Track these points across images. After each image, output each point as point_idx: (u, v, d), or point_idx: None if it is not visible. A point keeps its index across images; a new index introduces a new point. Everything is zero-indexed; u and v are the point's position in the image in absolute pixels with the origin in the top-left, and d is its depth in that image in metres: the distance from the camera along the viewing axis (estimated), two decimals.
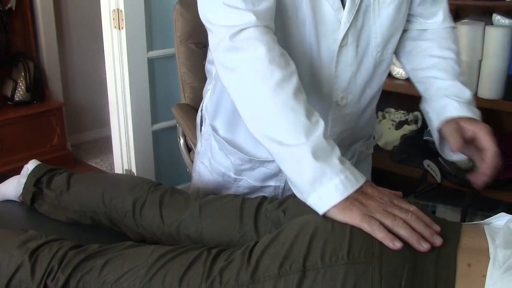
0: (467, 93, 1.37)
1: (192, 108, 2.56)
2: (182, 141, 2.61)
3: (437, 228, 1.02)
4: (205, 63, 1.62)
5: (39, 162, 1.69)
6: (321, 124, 1.09)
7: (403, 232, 1.00)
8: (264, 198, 1.37)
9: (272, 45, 1.12)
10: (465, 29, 2.40)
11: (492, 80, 2.38)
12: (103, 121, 4.36)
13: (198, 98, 2.61)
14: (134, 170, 2.88)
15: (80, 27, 4.21)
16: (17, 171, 1.82)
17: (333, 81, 1.32)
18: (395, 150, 2.81)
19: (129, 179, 1.55)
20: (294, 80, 1.11)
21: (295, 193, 1.14)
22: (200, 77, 2.63)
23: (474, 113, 1.34)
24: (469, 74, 2.43)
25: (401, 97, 2.96)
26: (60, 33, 4.05)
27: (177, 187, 1.55)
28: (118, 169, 2.97)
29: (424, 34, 1.47)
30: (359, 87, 1.36)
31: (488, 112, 2.59)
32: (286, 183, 1.43)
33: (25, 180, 1.65)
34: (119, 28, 2.72)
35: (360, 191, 1.06)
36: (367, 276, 0.97)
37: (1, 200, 1.75)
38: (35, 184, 1.63)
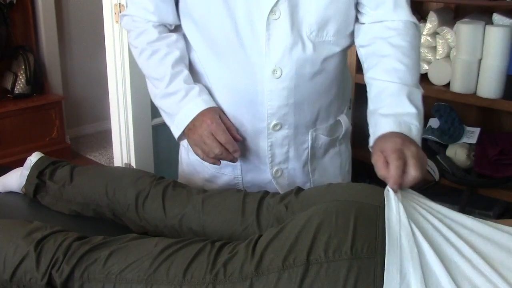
0: (401, 96, 1.32)
1: None
2: None
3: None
4: None
5: (42, 155, 1.70)
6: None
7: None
8: (266, 192, 1.38)
9: None
10: (465, 28, 2.42)
11: (491, 80, 2.40)
12: (102, 115, 4.36)
13: None
14: (133, 164, 2.88)
15: (81, 21, 4.22)
16: (16, 164, 1.83)
17: (264, 53, 1.35)
18: None
19: (132, 172, 1.57)
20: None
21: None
22: None
23: (395, 124, 1.27)
24: (468, 73, 2.45)
25: None
26: (60, 27, 4.05)
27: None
28: (117, 163, 2.97)
29: (374, 29, 1.41)
30: (295, 63, 1.36)
31: (488, 111, 2.61)
32: (243, 174, 1.55)
33: (28, 172, 1.66)
34: (120, 22, 2.72)
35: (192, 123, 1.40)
36: (369, 271, 0.99)
37: (4, 191, 1.76)
38: (38, 176, 1.64)
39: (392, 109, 1.30)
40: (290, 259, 1.03)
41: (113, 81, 2.83)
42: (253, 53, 1.36)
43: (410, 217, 1.08)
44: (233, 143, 1.38)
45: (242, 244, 1.14)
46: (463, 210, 2.41)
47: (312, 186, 1.51)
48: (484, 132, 2.59)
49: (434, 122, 2.74)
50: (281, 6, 1.31)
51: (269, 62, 1.35)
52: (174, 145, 2.48)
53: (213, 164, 1.43)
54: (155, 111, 2.93)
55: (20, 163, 1.76)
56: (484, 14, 2.59)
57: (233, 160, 1.41)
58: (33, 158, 1.69)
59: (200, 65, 1.46)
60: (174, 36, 1.46)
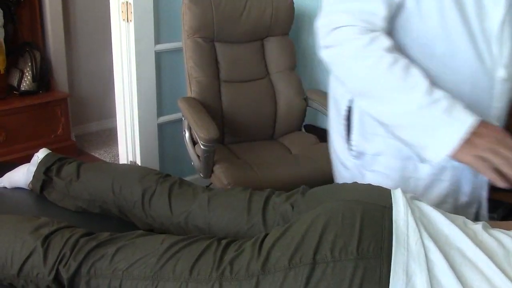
0: None
1: (198, 102, 2.58)
2: (187, 134, 2.63)
3: None
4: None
5: (49, 151, 1.72)
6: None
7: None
8: (272, 191, 1.39)
9: None
10: None
11: None
12: (107, 113, 4.38)
13: (204, 92, 2.63)
14: (138, 161, 2.90)
15: (87, 19, 4.22)
16: (21, 160, 1.85)
17: (497, 56, 1.31)
18: None
19: (139, 170, 1.58)
20: None
21: (413, 150, 1.28)
22: (206, 72, 2.66)
23: None
24: None
25: None
26: (67, 24, 4.06)
27: None
28: (122, 160, 2.98)
29: None
30: None
31: None
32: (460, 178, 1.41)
33: (35, 168, 1.68)
34: (127, 21, 2.73)
35: (472, 132, 1.17)
36: (375, 271, 0.99)
37: (11, 187, 1.77)
38: (45, 172, 1.66)
39: None
40: (296, 258, 1.04)
41: (119, 79, 2.84)
42: (486, 57, 1.31)
43: (417, 219, 1.09)
44: None
45: (249, 242, 1.15)
46: None
47: None
48: None
49: None
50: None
51: (501, 65, 1.33)
52: (178, 143, 2.48)
53: (494, 180, 1.18)
54: (160, 109, 2.95)
55: (26, 159, 1.77)
56: None
57: None
58: (40, 154, 1.70)
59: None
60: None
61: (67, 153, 3.59)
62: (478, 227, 1.12)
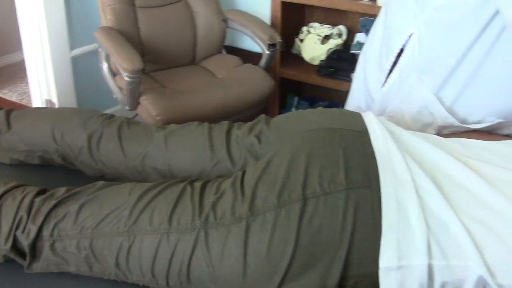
0: None
1: (117, 32, 2.43)
2: (105, 66, 2.50)
3: None
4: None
5: None
6: None
7: None
8: (231, 124, 1.32)
9: None
10: None
11: None
12: (7, 48, 4.06)
13: (120, 20, 2.48)
14: (54, 98, 2.72)
15: None
16: None
17: None
18: (322, 64, 2.81)
19: (80, 113, 1.43)
20: None
21: None
22: None
23: None
24: None
25: (325, 11, 2.94)
26: None
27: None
28: (35, 99, 2.79)
29: None
30: None
31: None
32: None
33: None
34: None
35: None
36: (366, 200, 0.97)
37: None
38: None
39: None
40: (285, 195, 1.00)
41: (23, 11, 2.61)
42: None
43: (396, 142, 1.07)
44: None
45: (226, 183, 1.09)
46: None
47: None
48: None
49: (361, 37, 2.74)
50: None
51: None
52: (94, 75, 2.34)
53: None
54: (73, 42, 2.75)
55: None
56: None
57: None
58: None
59: None
60: None
61: None
62: (453, 143, 1.13)
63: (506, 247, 0.94)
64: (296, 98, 3.06)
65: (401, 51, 1.41)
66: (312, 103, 3.04)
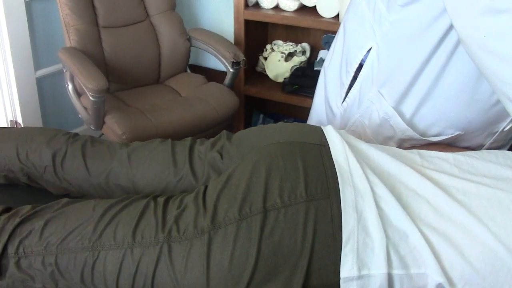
0: None
1: (80, 51, 2.44)
2: (70, 86, 2.50)
3: None
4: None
5: None
6: None
7: None
8: (193, 140, 1.35)
9: None
10: None
11: None
12: None
13: (83, 40, 2.49)
14: (19, 119, 2.71)
15: None
16: None
17: None
18: (286, 81, 2.85)
19: (43, 132, 1.45)
20: None
21: None
22: (84, 19, 2.50)
23: None
24: None
25: (288, 29, 2.99)
26: None
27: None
28: (1, 121, 2.78)
29: None
30: None
31: None
32: None
33: None
34: None
35: None
36: (326, 211, 1.00)
37: None
38: None
39: None
40: (246, 208, 1.02)
41: None
42: None
43: (356, 155, 1.10)
44: None
45: (189, 197, 1.11)
46: None
47: None
48: None
49: (324, 54, 2.80)
50: None
51: None
52: (60, 95, 2.33)
53: None
54: (37, 63, 2.75)
55: None
56: None
57: None
58: None
59: None
60: None
61: None
62: (413, 155, 1.16)
63: (463, 257, 0.97)
64: (261, 116, 3.10)
65: (361, 66, 1.44)
66: (277, 120, 3.08)
